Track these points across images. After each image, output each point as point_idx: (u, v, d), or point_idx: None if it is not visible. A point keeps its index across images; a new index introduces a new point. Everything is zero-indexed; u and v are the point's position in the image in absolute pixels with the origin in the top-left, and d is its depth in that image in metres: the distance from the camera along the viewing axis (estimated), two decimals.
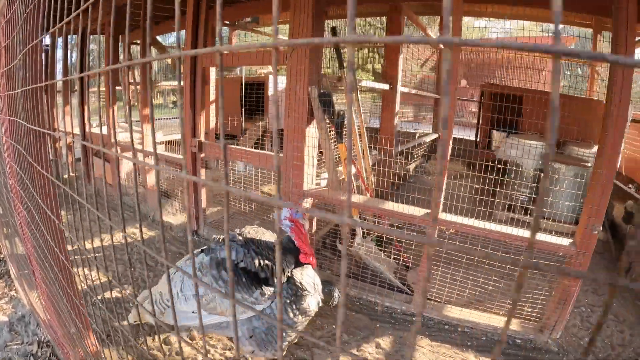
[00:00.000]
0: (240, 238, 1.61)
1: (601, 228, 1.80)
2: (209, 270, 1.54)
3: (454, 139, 5.28)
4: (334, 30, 2.80)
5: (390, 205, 2.32)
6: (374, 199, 2.80)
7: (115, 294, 2.34)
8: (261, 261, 1.49)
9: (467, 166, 4.61)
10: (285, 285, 1.50)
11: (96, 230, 2.92)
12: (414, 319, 2.28)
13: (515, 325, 2.14)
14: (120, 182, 0.64)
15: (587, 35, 4.14)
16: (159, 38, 5.45)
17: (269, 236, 1.71)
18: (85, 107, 4.18)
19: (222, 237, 1.66)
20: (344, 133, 2.69)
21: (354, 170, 2.82)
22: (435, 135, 5.65)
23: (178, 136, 4.71)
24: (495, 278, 2.18)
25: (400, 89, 3.81)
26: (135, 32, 4.34)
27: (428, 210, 2.20)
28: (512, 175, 3.62)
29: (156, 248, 3.19)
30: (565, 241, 1.91)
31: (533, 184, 3.40)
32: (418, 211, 2.20)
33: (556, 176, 3.17)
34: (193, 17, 2.88)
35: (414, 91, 4.60)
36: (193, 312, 1.54)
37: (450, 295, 2.26)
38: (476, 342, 2.11)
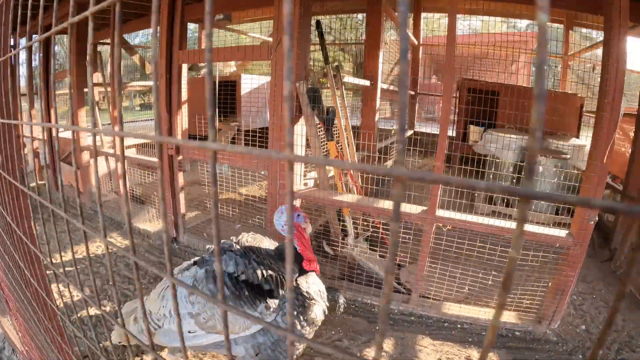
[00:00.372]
0: (238, 247, 1.48)
1: (597, 218, 1.82)
2: (205, 285, 1.41)
3: (432, 134, 5.31)
4: (318, 24, 2.70)
5: (384, 204, 2.26)
6: (364, 197, 2.73)
7: (95, 311, 2.14)
8: (264, 272, 1.37)
9: (447, 160, 4.66)
10: None
11: (68, 242, 2.67)
12: (412, 318, 2.24)
13: (513, 317, 2.15)
14: (98, 188, 0.52)
15: (559, 32, 4.26)
16: (125, 37, 5.11)
17: (267, 243, 1.60)
18: (52, 111, 3.84)
19: None
20: (334, 130, 2.60)
21: None
22: (410, 132, 5.68)
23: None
24: (495, 272, 2.18)
25: (381, 85, 3.77)
26: (104, 31, 4.03)
27: (424, 207, 2.16)
28: (492, 168, 3.69)
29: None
30: (562, 232, 1.92)
31: (513, 175, 3.47)
32: (415, 209, 2.16)
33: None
34: (168, 15, 2.68)
35: (391, 87, 4.59)
36: (189, 332, 1.40)
37: (449, 292, 2.24)
38: (477, 337, 2.09)
